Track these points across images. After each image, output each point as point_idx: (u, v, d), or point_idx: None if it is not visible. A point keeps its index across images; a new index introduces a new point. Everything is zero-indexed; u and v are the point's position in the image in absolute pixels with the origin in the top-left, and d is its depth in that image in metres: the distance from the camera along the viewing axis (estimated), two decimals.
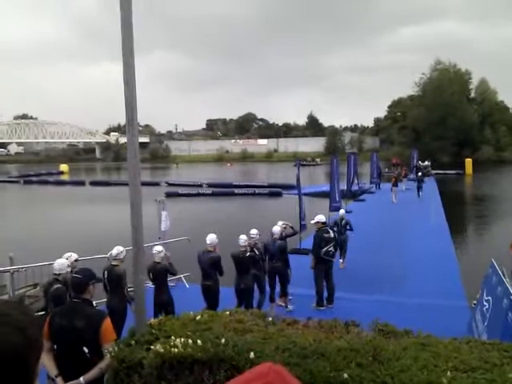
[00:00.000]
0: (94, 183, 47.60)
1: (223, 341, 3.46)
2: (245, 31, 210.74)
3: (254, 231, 8.39)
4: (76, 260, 6.58)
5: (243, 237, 8.09)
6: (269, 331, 3.79)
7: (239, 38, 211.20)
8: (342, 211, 12.93)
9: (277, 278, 8.91)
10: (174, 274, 7.49)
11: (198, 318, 4.07)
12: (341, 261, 11.79)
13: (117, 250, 7.05)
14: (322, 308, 8.88)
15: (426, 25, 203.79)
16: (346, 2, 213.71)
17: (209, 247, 7.75)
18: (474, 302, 7.77)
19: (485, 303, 6.80)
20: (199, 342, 3.46)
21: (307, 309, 8.57)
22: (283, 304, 9.01)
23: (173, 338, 3.57)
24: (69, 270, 5.97)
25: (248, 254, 7.94)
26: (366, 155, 40.04)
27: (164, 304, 7.13)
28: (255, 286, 8.29)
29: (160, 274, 7.24)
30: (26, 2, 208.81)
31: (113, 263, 7.04)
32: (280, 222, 9.15)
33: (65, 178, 59.86)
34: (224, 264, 7.82)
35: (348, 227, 12.06)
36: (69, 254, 6.60)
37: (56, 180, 53.79)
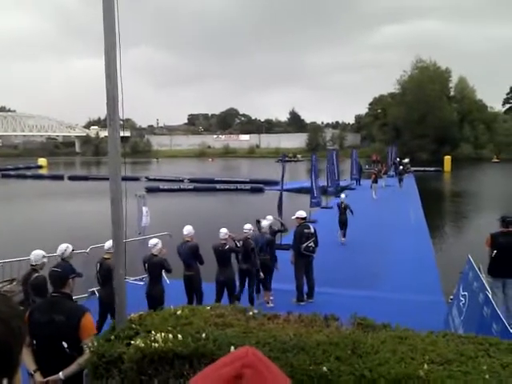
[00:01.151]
0: (72, 178, 46.87)
1: (204, 335, 3.47)
2: (229, 27, 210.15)
3: (247, 226, 8.61)
4: (73, 250, 6.69)
5: (223, 230, 8.26)
6: (249, 325, 3.82)
7: (223, 35, 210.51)
8: (342, 195, 15.81)
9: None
10: (169, 271, 7.46)
11: (179, 312, 4.07)
12: (343, 239, 14.40)
13: (109, 243, 6.99)
14: (302, 303, 8.95)
15: (408, 24, 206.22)
16: (328, 2, 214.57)
17: (186, 237, 7.99)
18: (451, 297, 7.92)
19: (461, 298, 6.95)
20: (180, 336, 3.46)
21: (288, 303, 8.62)
22: (265, 299, 9.07)
23: (153, 332, 3.57)
24: (45, 260, 6.11)
25: (227, 246, 8.10)
26: (346, 152, 40.34)
27: (156, 297, 7.16)
28: (246, 281, 8.53)
29: (155, 266, 7.32)
30: None
31: (105, 256, 7.08)
32: (269, 217, 9.19)
33: (43, 172, 58.84)
34: (206, 257, 7.98)
35: (349, 209, 14.59)
36: (65, 245, 6.64)
37: (34, 174, 52.87)
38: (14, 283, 9.11)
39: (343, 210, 14.52)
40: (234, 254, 8.42)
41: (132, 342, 3.54)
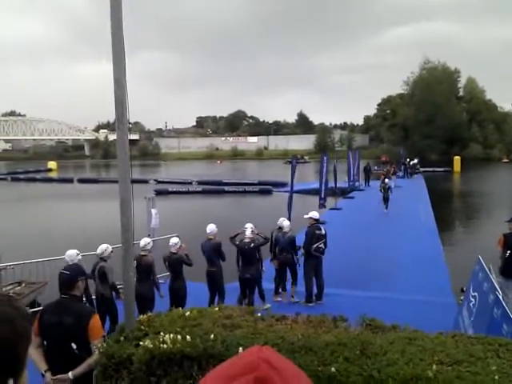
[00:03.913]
0: (82, 180, 47.18)
1: (212, 336, 3.49)
2: (236, 31, 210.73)
3: (248, 225, 8.86)
4: (112, 252, 7.12)
5: (249, 227, 8.62)
6: (258, 327, 3.82)
7: (230, 38, 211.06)
8: (386, 180, 19.97)
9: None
10: (190, 265, 7.85)
11: (187, 314, 4.09)
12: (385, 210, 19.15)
13: (144, 240, 7.64)
14: (311, 304, 8.93)
15: (414, 25, 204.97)
16: (335, 4, 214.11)
17: (209, 235, 8.41)
18: (461, 297, 7.87)
19: (471, 299, 6.89)
20: (188, 337, 3.48)
21: (297, 305, 8.62)
22: (280, 299, 9.21)
23: (162, 334, 3.59)
24: (80, 257, 6.89)
25: (252, 245, 8.42)
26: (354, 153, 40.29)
27: (177, 292, 7.72)
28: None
29: (175, 263, 7.79)
30: (15, 1, 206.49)
31: (141, 253, 7.49)
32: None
33: (53, 175, 59.26)
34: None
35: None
36: (105, 245, 7.18)
37: (44, 177, 53.28)
38: (23, 285, 9.23)
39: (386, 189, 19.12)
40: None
41: (141, 343, 3.57)
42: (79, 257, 6.90)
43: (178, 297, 7.67)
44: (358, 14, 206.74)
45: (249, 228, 8.65)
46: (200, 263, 8.44)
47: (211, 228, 8.48)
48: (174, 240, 8.03)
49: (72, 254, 6.82)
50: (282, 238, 9.17)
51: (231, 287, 8.79)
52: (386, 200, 21.21)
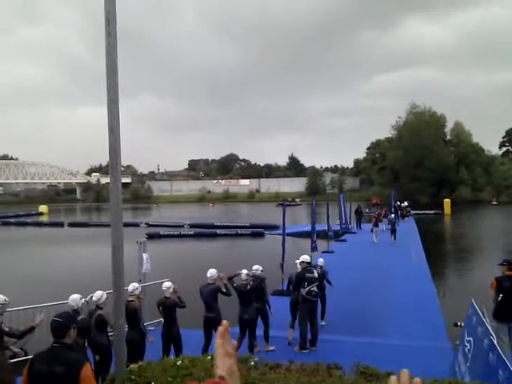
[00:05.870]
0: (72, 224, 46.82)
1: None
2: (228, 75, 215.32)
3: (255, 266, 9.21)
4: (107, 298, 6.94)
5: (244, 271, 8.78)
6: (251, 376, 3.76)
7: (223, 82, 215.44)
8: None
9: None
10: (183, 307, 7.82)
11: (179, 363, 4.02)
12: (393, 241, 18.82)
13: (132, 286, 7.52)
14: (304, 351, 8.77)
15: (402, 72, 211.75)
16: (325, 50, 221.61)
17: (209, 280, 8.36)
18: (457, 342, 7.78)
19: (466, 344, 6.82)
20: None
21: (290, 351, 8.46)
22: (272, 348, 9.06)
23: None
24: (83, 301, 6.77)
25: (249, 286, 8.50)
26: (347, 195, 40.47)
27: (173, 337, 7.68)
28: (259, 318, 8.91)
29: (170, 308, 7.72)
30: (13, 48, 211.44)
31: (128, 299, 7.29)
32: (244, 271, 8.93)
33: (44, 218, 58.84)
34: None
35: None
36: (101, 292, 7.01)
37: (34, 221, 52.86)
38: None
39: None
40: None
41: None
42: (82, 301, 6.78)
43: (174, 342, 7.63)
44: (347, 59, 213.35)
45: (244, 270, 8.80)
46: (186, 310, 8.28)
47: (212, 272, 8.43)
48: (167, 284, 7.93)
49: (76, 299, 6.69)
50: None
51: (231, 332, 8.61)
52: (393, 232, 24.80)
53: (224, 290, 8.25)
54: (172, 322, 7.73)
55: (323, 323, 10.46)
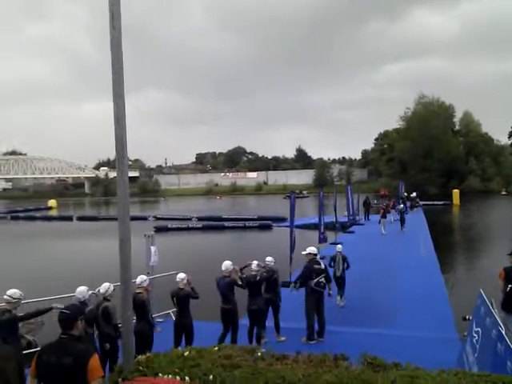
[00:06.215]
0: (81, 218, 47.20)
1: (211, 377, 3.44)
2: (235, 69, 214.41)
3: (269, 258, 9.27)
4: (114, 290, 7.02)
5: (255, 262, 8.95)
6: (258, 366, 3.77)
7: (230, 75, 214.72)
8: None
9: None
10: (197, 298, 7.91)
11: (186, 354, 4.04)
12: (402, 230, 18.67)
13: (140, 278, 7.59)
14: (312, 342, 8.79)
15: (409, 62, 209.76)
16: (331, 42, 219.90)
17: (225, 273, 8.42)
18: (465, 333, 7.75)
19: (474, 334, 6.79)
20: (187, 378, 3.43)
21: (297, 342, 8.48)
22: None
23: (160, 375, 3.54)
24: (90, 293, 6.87)
25: (258, 277, 8.66)
26: (355, 187, 40.26)
27: (186, 328, 7.78)
28: (270, 309, 9.08)
29: (183, 299, 7.81)
30: (20, 45, 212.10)
31: (137, 291, 7.41)
32: (255, 262, 9.13)
33: (53, 213, 59.31)
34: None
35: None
36: (108, 284, 7.09)
37: (43, 215, 53.36)
38: (20, 325, 9.06)
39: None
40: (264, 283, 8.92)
41: None
42: (89, 293, 6.85)
43: (186, 332, 7.74)
44: (355, 50, 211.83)
45: (255, 262, 8.94)
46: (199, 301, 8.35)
47: (226, 265, 8.49)
48: (181, 275, 8.00)
49: (83, 291, 6.76)
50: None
51: (242, 324, 8.74)
52: (402, 221, 25.96)
53: (240, 283, 8.37)
54: (185, 312, 7.83)
55: (343, 303, 11.53)
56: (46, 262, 22.25)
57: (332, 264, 11.71)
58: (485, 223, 31.95)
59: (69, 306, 3.74)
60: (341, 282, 11.64)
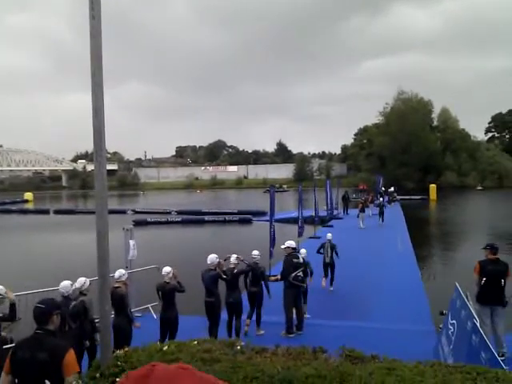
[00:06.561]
0: (58, 212, 46.45)
1: None
2: (215, 62, 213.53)
3: (255, 252, 9.36)
4: (90, 284, 6.99)
5: (234, 255, 9.05)
6: (237, 360, 3.78)
7: (210, 68, 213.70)
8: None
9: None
10: (183, 291, 7.92)
11: (165, 348, 4.02)
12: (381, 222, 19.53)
13: (119, 272, 7.51)
14: (291, 335, 8.85)
15: (389, 58, 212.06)
16: (313, 38, 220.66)
17: (210, 266, 8.50)
18: (441, 325, 7.91)
19: (450, 327, 6.94)
20: None
21: (277, 336, 8.53)
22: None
23: None
24: (73, 287, 6.75)
25: (235, 271, 8.77)
26: (334, 181, 40.51)
27: (171, 322, 7.77)
28: (255, 302, 9.18)
29: (169, 293, 7.80)
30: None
31: (115, 285, 7.34)
32: (234, 255, 9.19)
33: (29, 206, 58.23)
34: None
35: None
36: (83, 278, 6.97)
37: (19, 208, 52.35)
38: None
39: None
40: (242, 276, 9.06)
41: (117, 379, 3.47)
42: (73, 287, 6.74)
43: (171, 326, 7.73)
44: (336, 46, 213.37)
45: (234, 255, 9.00)
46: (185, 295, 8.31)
47: (212, 258, 8.54)
48: (167, 269, 7.96)
49: (67, 285, 6.67)
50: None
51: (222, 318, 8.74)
52: (381, 214, 26.75)
53: (224, 277, 8.46)
54: (171, 306, 7.82)
55: (331, 289, 12.32)
56: (21, 256, 21.85)
57: (322, 251, 12.65)
58: (460, 218, 32.58)
59: (44, 300, 3.66)
60: (331, 269, 12.48)
